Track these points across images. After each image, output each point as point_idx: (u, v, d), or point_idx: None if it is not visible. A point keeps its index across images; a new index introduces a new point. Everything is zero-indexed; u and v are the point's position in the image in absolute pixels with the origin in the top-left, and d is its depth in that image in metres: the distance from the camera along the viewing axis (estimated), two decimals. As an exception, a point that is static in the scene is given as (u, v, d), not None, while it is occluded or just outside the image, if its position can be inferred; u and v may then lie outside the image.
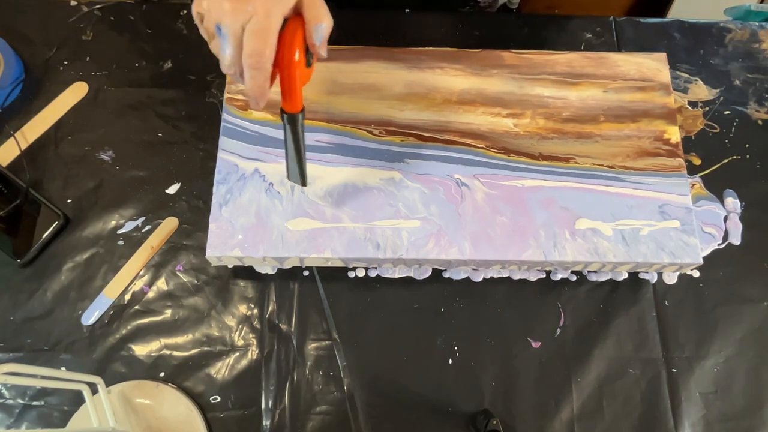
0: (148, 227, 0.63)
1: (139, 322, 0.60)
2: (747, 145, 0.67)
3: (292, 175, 0.55)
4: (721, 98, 0.69)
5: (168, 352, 0.59)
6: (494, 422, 0.53)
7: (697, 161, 0.67)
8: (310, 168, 0.59)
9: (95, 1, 0.71)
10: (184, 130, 0.66)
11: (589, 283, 0.62)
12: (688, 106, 0.69)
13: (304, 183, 0.56)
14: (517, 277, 0.62)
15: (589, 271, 0.62)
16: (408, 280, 0.61)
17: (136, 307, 0.60)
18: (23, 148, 0.64)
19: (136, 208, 0.63)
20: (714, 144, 0.67)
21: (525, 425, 0.57)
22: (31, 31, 0.70)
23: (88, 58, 0.69)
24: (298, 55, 0.45)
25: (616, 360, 0.59)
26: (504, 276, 0.62)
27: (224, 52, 0.44)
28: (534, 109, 0.63)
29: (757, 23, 0.74)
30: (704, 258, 0.61)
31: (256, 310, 0.60)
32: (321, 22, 0.45)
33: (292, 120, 0.49)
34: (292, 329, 0.60)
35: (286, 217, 0.57)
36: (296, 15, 0.45)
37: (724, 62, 0.71)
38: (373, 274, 0.61)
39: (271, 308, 0.60)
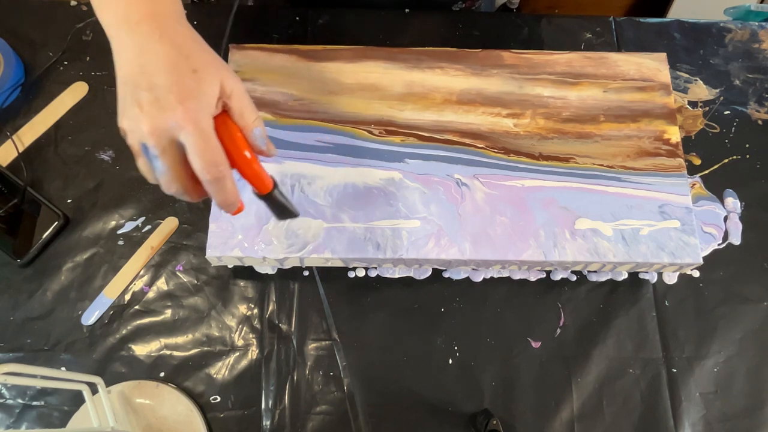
0: (148, 227, 0.63)
1: (139, 322, 0.60)
2: (747, 145, 0.67)
3: (281, 218, 0.50)
4: (721, 98, 0.69)
5: (168, 352, 0.59)
6: (494, 422, 0.53)
7: (697, 161, 0.67)
8: (311, 168, 0.59)
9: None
10: (184, 130, 0.66)
11: (589, 283, 0.62)
12: (688, 106, 0.69)
13: (296, 214, 0.50)
14: (517, 277, 0.62)
15: (589, 271, 0.62)
16: (408, 280, 0.61)
17: (136, 307, 0.60)
18: (24, 147, 0.64)
19: (136, 208, 0.63)
20: (714, 144, 0.67)
21: (525, 425, 0.57)
22: (31, 32, 0.69)
23: (88, 58, 0.69)
24: (249, 153, 0.43)
25: (616, 360, 0.59)
26: (504, 276, 0.62)
27: (159, 171, 0.41)
28: (534, 109, 0.63)
29: (757, 23, 0.74)
30: (704, 258, 0.61)
31: (256, 310, 0.60)
32: (258, 125, 0.43)
33: (267, 198, 0.47)
34: (292, 329, 0.60)
35: (286, 217, 0.57)
36: (221, 112, 0.42)
37: (724, 62, 0.71)
38: (373, 274, 0.61)
39: (271, 308, 0.60)
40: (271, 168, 0.59)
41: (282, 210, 0.49)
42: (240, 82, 0.43)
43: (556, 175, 0.60)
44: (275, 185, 0.47)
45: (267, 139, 0.44)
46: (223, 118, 0.42)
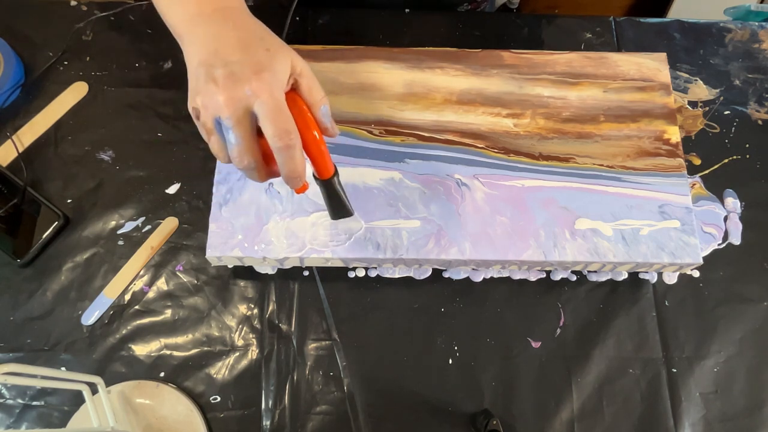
0: (148, 227, 0.63)
1: (139, 322, 0.60)
2: (747, 145, 0.67)
3: (336, 215, 0.51)
4: (721, 98, 0.69)
5: (168, 352, 0.59)
6: (494, 422, 0.53)
7: (697, 161, 0.67)
8: (311, 168, 0.59)
9: (95, 1, 0.71)
10: (184, 130, 0.66)
11: (589, 283, 0.62)
12: (688, 106, 0.69)
13: (351, 212, 0.51)
14: (517, 277, 0.62)
15: (589, 271, 0.62)
16: (408, 280, 0.61)
17: (136, 307, 0.60)
18: (24, 147, 0.64)
19: (136, 208, 0.63)
20: (714, 144, 0.67)
21: (525, 425, 0.57)
22: (31, 32, 0.70)
23: (88, 58, 0.69)
24: (318, 134, 0.44)
25: (616, 360, 0.59)
26: (504, 276, 0.62)
27: (232, 143, 0.42)
28: (534, 109, 0.63)
29: (757, 23, 0.74)
30: (704, 258, 0.61)
31: (256, 310, 0.60)
32: (325, 103, 0.45)
33: (327, 184, 0.48)
34: (292, 329, 0.60)
35: (286, 217, 0.57)
36: (290, 90, 0.44)
37: (724, 62, 0.71)
38: (373, 274, 0.61)
39: (271, 308, 0.60)
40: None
41: (338, 204, 0.50)
42: (308, 64, 0.45)
43: (556, 175, 0.60)
44: (336, 172, 0.48)
45: (332, 119, 0.46)
46: (292, 96, 0.44)
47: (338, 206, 0.50)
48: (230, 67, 0.41)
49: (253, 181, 0.58)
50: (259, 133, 0.43)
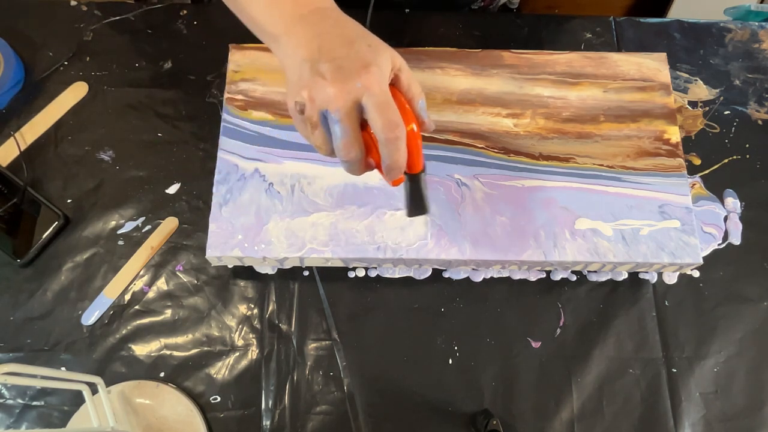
0: (148, 227, 0.63)
1: (139, 322, 0.60)
2: (747, 145, 0.67)
3: (413, 212, 0.51)
4: (721, 98, 0.69)
5: (168, 352, 0.59)
6: (494, 422, 0.53)
7: (697, 161, 0.67)
8: (311, 168, 0.59)
9: (95, 1, 0.71)
10: (184, 130, 0.66)
11: (589, 283, 0.62)
12: (688, 106, 0.69)
13: (428, 210, 0.51)
14: (517, 277, 0.62)
15: (589, 271, 0.62)
16: (408, 280, 0.61)
17: (136, 307, 0.60)
18: (24, 147, 0.64)
19: (136, 208, 0.63)
20: (714, 144, 0.67)
21: (525, 425, 0.57)
22: (31, 32, 0.70)
23: (88, 58, 0.69)
24: (416, 127, 0.45)
25: (616, 360, 0.59)
26: (504, 276, 0.62)
27: (338, 136, 0.43)
28: (534, 109, 0.63)
29: (757, 23, 0.74)
30: (704, 258, 0.61)
31: (256, 310, 0.60)
32: (422, 98, 0.46)
33: (416, 179, 0.48)
34: (292, 329, 0.60)
35: (286, 217, 0.57)
36: (389, 85, 0.45)
37: (724, 62, 0.71)
38: (373, 274, 0.61)
39: (271, 308, 0.60)
40: (271, 168, 0.59)
41: (418, 201, 0.50)
42: (404, 60, 0.46)
43: (556, 175, 0.60)
44: (424, 168, 0.48)
45: (428, 113, 0.47)
46: (392, 90, 0.45)
47: (418, 203, 0.50)
48: (338, 62, 0.42)
49: (253, 181, 0.58)
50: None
